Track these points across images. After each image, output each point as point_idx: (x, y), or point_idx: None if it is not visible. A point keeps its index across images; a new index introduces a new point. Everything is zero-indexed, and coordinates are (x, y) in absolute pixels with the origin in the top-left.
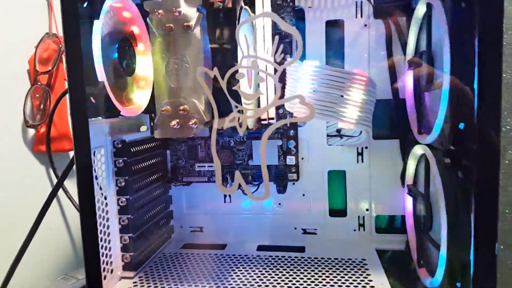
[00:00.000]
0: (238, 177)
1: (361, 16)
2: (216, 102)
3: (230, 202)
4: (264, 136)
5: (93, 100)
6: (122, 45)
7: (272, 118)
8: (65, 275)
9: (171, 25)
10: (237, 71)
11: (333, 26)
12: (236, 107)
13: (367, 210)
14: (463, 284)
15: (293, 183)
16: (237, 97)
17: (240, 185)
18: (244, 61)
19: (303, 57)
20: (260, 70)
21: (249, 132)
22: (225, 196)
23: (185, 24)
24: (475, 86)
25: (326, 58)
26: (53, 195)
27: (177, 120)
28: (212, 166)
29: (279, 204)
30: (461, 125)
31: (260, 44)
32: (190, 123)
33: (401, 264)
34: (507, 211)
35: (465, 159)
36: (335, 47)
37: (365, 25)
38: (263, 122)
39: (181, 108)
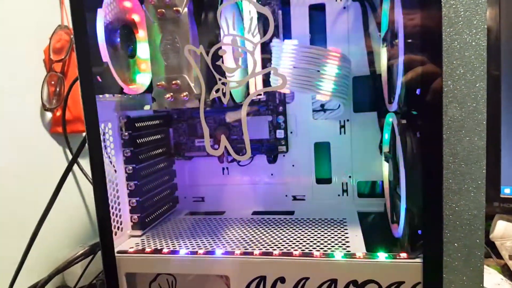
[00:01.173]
0: (223, 141)
1: None
2: (204, 77)
3: (228, 174)
4: (245, 101)
5: (100, 79)
6: (123, 31)
7: (260, 94)
8: (83, 244)
9: (163, 10)
10: (220, 48)
11: (316, 10)
12: (220, 79)
13: (349, 177)
14: (420, 228)
15: (283, 155)
16: (222, 71)
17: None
18: (227, 39)
19: (288, 37)
20: (238, 46)
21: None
22: (223, 168)
23: (174, 8)
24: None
25: (310, 40)
26: (68, 170)
27: (171, 93)
28: (210, 141)
29: (271, 174)
30: (418, 91)
31: (246, 25)
32: (182, 95)
33: (378, 223)
34: (450, 160)
35: (417, 119)
36: (318, 29)
37: (344, 8)
38: (252, 98)
39: (173, 82)
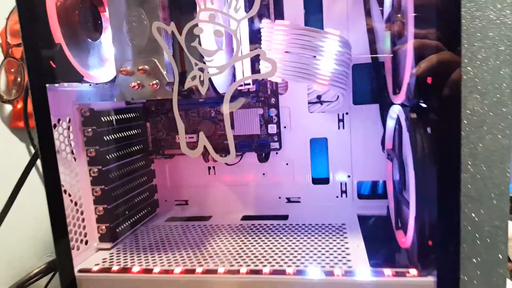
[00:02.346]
0: (202, 139)
1: None
2: (177, 61)
3: (215, 174)
4: (229, 90)
5: (53, 65)
6: (84, 6)
7: (249, 84)
8: (52, 252)
9: None
10: (196, 25)
11: None
12: (196, 64)
13: (348, 176)
14: (433, 241)
15: (276, 153)
16: (199, 54)
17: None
18: (204, 14)
19: (280, 18)
20: (217, 23)
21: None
22: (209, 168)
23: None
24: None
25: (305, 20)
26: (28, 169)
27: (137, 82)
28: (193, 138)
29: (263, 174)
30: (429, 80)
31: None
32: (151, 84)
33: (381, 228)
34: (469, 162)
35: (430, 113)
36: (313, 7)
37: None
38: (239, 88)
39: (140, 68)
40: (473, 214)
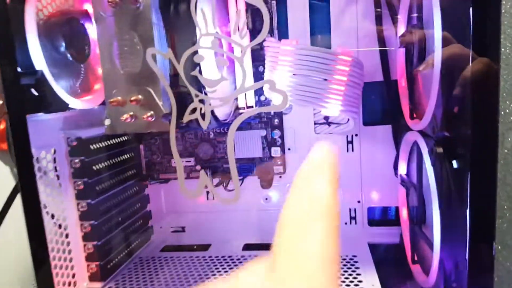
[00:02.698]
0: (202, 178)
1: None
2: (178, 90)
3: (214, 199)
4: (232, 128)
5: (35, 92)
6: (69, 26)
7: (251, 107)
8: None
9: (116, 0)
10: (196, 52)
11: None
12: (197, 95)
13: (358, 202)
14: (459, 286)
15: (280, 176)
16: (199, 84)
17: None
18: (206, 40)
19: (284, 35)
20: (220, 50)
21: (224, 122)
22: (207, 192)
23: None
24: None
25: (311, 36)
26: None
27: (130, 113)
28: (190, 161)
29: (266, 199)
30: (455, 109)
31: (232, 21)
32: (145, 116)
33: (395, 259)
34: (505, 207)
35: (459, 147)
36: (320, 22)
37: None
38: (241, 111)
39: (133, 98)
40: (508, 264)
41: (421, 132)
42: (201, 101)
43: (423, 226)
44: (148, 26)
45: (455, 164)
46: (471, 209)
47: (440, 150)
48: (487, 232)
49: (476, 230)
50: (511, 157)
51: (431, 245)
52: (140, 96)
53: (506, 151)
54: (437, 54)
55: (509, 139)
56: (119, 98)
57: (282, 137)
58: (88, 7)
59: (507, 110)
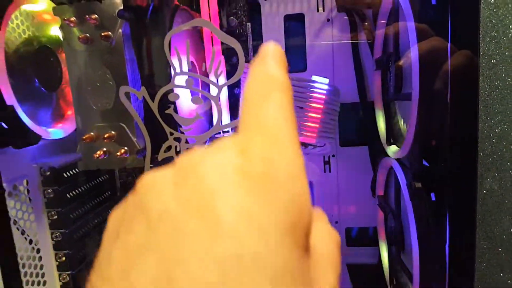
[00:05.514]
0: None
1: (323, 9)
2: (152, 127)
3: None
4: None
5: (5, 126)
6: (40, 54)
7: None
8: None
9: (87, 35)
10: (171, 90)
11: (293, 21)
12: (172, 134)
13: (336, 222)
14: None
15: None
16: (174, 122)
17: None
18: (180, 79)
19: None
20: (195, 89)
21: None
22: None
23: (103, 33)
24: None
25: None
26: None
27: (104, 149)
28: None
29: None
30: (433, 142)
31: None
32: (119, 152)
33: (373, 280)
34: (484, 245)
35: (437, 181)
36: (295, 45)
37: (328, 20)
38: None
39: (106, 135)
40: None
41: (399, 161)
42: (177, 139)
43: (402, 254)
44: (121, 62)
45: (433, 196)
46: (450, 249)
47: (419, 185)
48: (466, 273)
49: (456, 274)
50: (489, 197)
51: (410, 277)
52: (113, 132)
53: (485, 191)
54: (414, 80)
55: (488, 179)
56: (92, 134)
57: None
58: (59, 33)
59: (485, 151)
